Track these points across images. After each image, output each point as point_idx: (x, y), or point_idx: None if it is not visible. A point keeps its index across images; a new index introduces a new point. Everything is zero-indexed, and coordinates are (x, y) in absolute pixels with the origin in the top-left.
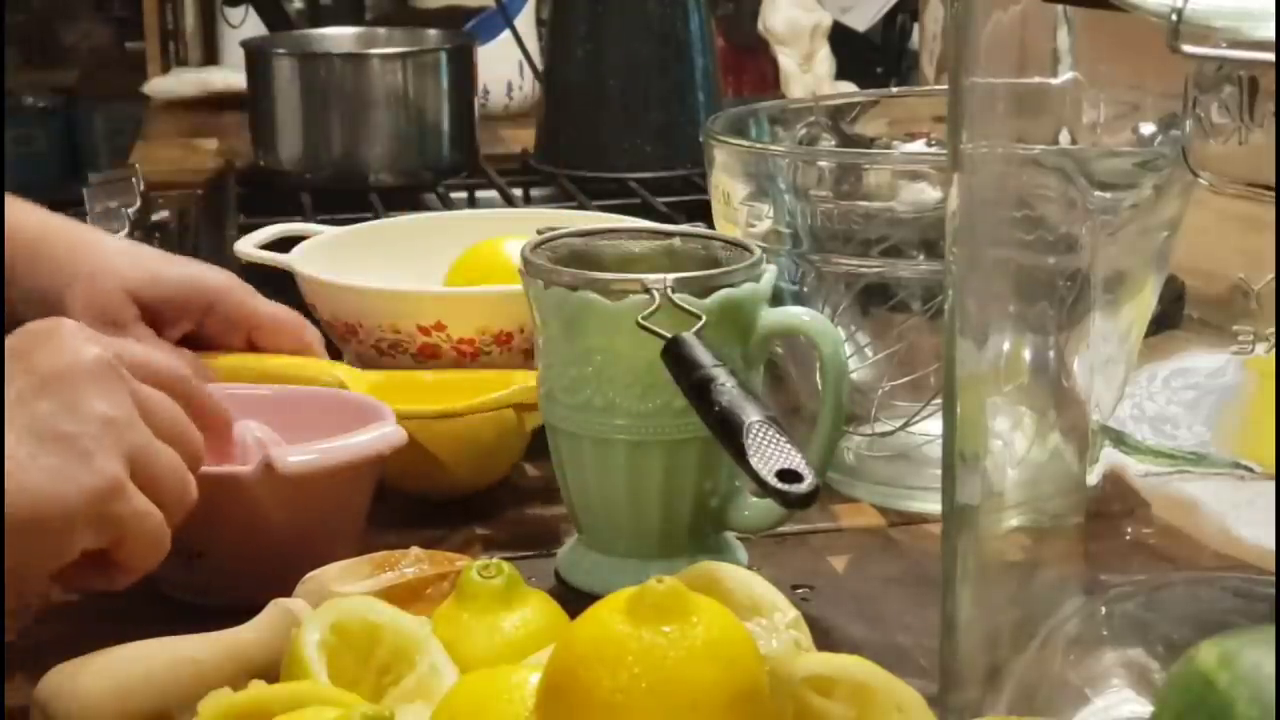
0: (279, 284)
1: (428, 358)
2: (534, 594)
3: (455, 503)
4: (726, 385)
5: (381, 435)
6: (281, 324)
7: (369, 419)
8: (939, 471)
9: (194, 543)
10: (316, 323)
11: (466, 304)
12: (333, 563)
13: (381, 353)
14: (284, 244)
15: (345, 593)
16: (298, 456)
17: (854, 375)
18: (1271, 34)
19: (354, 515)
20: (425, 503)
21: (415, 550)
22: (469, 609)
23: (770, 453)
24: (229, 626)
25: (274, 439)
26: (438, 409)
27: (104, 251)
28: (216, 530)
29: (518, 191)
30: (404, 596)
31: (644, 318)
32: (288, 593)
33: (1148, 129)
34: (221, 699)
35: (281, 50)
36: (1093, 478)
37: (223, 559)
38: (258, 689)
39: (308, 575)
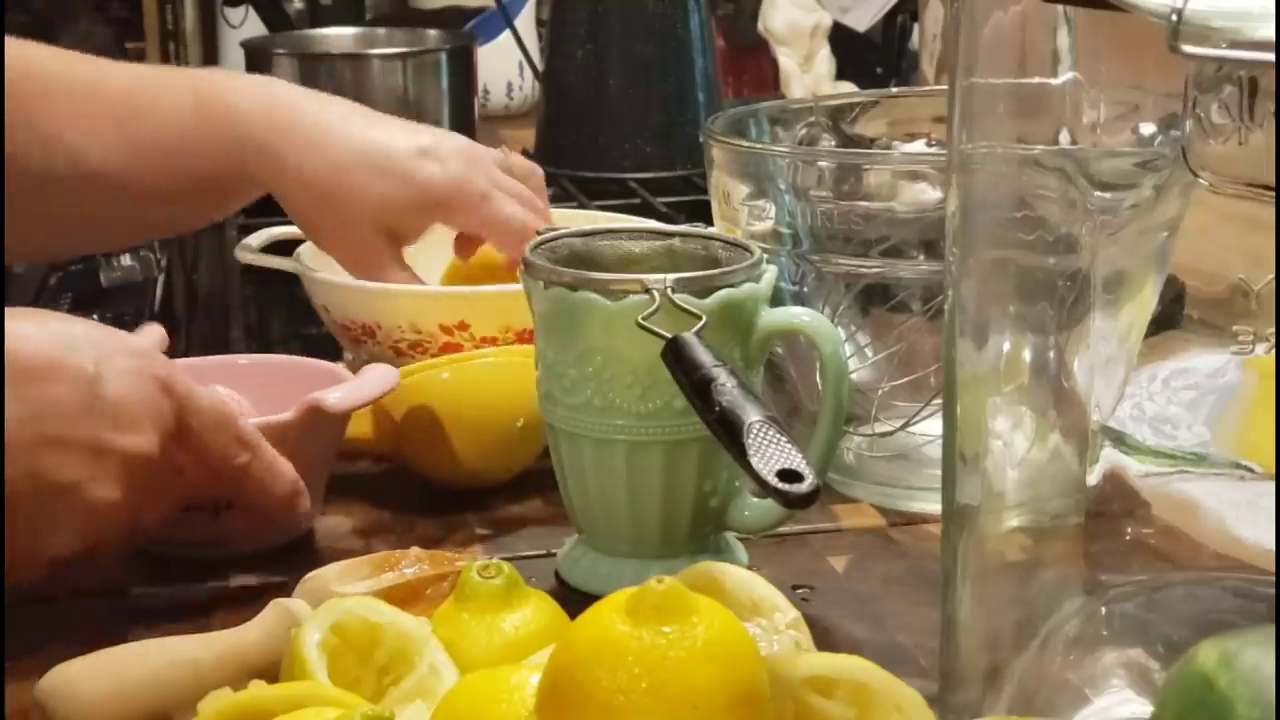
0: (280, 285)
1: None
2: (534, 594)
3: (455, 502)
4: (727, 385)
5: (386, 373)
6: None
7: (333, 380)
8: (939, 471)
9: (223, 495)
10: (322, 326)
11: (491, 302)
12: (334, 563)
13: (400, 353)
14: (282, 246)
15: (345, 593)
16: (338, 395)
17: (854, 375)
18: (1271, 34)
19: (334, 455)
20: (425, 503)
21: (415, 550)
22: (469, 609)
23: (770, 453)
24: (239, 602)
25: (244, 403)
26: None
27: (334, 167)
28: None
29: None
30: (404, 596)
31: (644, 318)
32: (300, 536)
33: (1148, 129)
34: (221, 699)
35: (281, 50)
36: (1093, 478)
37: (249, 508)
38: (258, 689)
39: (308, 575)
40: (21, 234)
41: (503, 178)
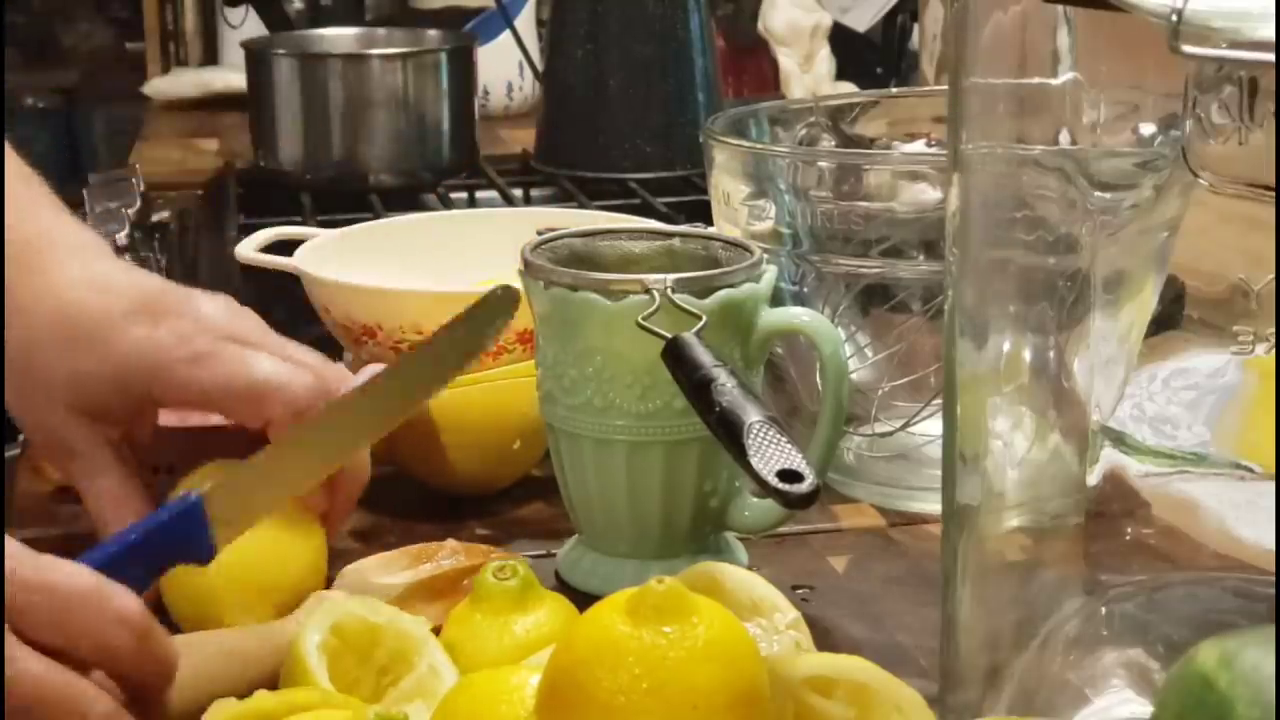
0: (280, 285)
1: None
2: (549, 596)
3: (456, 504)
4: (727, 385)
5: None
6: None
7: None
8: (939, 471)
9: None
10: (322, 326)
11: None
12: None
13: (401, 354)
14: (281, 246)
15: (385, 584)
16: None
17: (854, 376)
18: (1271, 34)
19: None
20: (425, 504)
21: (451, 542)
22: (482, 610)
23: (771, 453)
24: None
25: None
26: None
27: (34, 339)
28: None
29: (518, 192)
30: (441, 588)
31: (644, 318)
32: None
33: (1148, 129)
34: (226, 709)
35: (281, 51)
36: (1093, 478)
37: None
38: (261, 697)
39: (347, 568)
40: None
41: (278, 339)
